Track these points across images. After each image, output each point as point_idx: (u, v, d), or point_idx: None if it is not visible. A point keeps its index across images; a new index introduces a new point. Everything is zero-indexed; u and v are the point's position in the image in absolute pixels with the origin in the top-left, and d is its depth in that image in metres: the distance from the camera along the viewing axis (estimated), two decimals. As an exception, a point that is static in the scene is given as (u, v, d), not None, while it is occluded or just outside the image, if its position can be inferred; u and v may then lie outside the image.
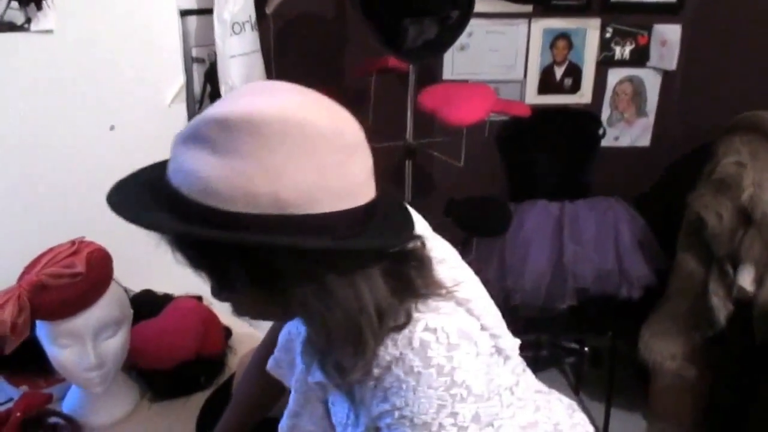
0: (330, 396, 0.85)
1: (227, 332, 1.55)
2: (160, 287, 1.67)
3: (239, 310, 0.75)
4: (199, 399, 1.37)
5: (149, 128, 1.75)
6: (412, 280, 0.72)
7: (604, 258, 2.29)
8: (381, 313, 0.68)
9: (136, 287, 1.61)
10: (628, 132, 2.63)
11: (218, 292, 0.72)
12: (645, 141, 2.64)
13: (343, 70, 2.39)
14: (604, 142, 2.56)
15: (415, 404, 0.68)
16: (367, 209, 0.66)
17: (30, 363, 1.36)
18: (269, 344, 1.06)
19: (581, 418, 0.98)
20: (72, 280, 1.14)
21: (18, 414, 1.18)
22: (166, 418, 1.33)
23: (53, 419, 1.27)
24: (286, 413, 0.93)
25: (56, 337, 1.17)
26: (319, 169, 0.61)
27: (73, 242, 1.20)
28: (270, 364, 1.00)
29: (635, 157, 2.64)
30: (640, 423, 2.53)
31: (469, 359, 0.70)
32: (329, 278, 0.64)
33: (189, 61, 1.88)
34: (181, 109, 1.88)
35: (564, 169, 2.50)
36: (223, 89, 1.89)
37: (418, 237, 0.74)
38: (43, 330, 1.19)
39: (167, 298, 1.58)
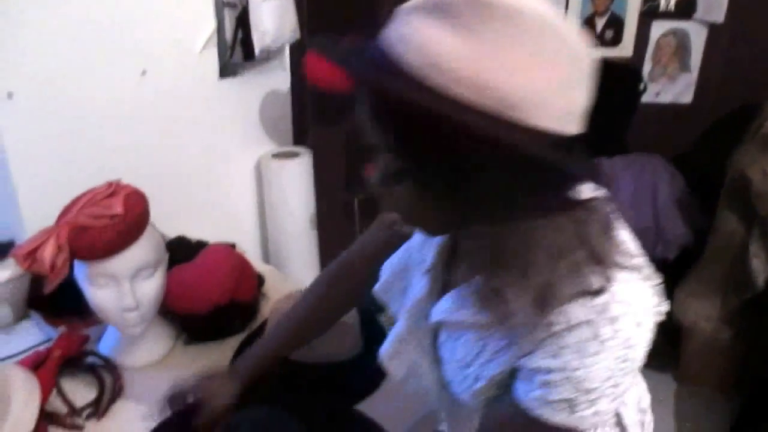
0: (454, 332, 0.83)
1: (260, 280, 1.55)
2: (193, 234, 1.67)
3: (396, 206, 0.72)
4: (232, 343, 1.38)
5: (180, 74, 1.74)
6: (607, 242, 0.69)
7: (640, 216, 2.24)
8: (576, 264, 0.66)
9: (170, 234, 1.62)
10: (670, 88, 2.54)
11: (387, 181, 0.67)
12: (687, 97, 2.55)
13: (376, 12, 2.33)
14: (644, 98, 2.48)
15: (588, 370, 0.67)
16: (570, 142, 0.62)
17: (68, 304, 1.38)
18: (346, 265, 1.09)
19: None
20: (110, 221, 1.14)
21: (57, 353, 1.20)
22: (201, 361, 1.34)
23: (91, 359, 1.29)
24: (391, 338, 0.92)
25: (94, 277, 1.18)
26: (554, 80, 0.58)
27: (110, 184, 1.19)
28: (378, 286, 0.98)
29: (677, 113, 2.56)
30: (670, 384, 2.51)
31: (647, 336, 0.70)
32: (530, 202, 0.62)
33: (220, 5, 1.85)
34: (212, 54, 1.86)
35: (602, 124, 2.42)
36: (254, 35, 1.86)
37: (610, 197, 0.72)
38: (81, 271, 1.20)
39: (201, 245, 1.58)
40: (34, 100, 1.47)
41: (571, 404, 0.70)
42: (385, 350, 0.94)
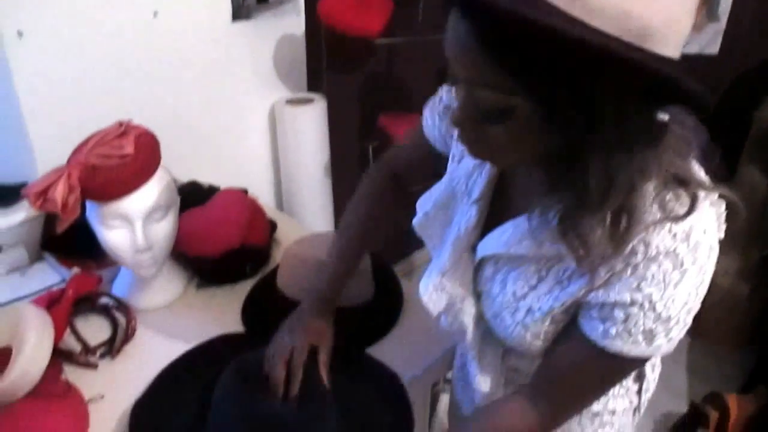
0: (506, 265, 0.81)
1: (272, 226, 1.55)
2: (205, 180, 1.66)
3: (486, 145, 0.68)
4: (244, 287, 1.38)
5: (192, 15, 1.70)
6: (690, 165, 0.68)
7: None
8: (661, 189, 0.65)
9: (182, 179, 1.61)
10: (696, 38, 2.45)
11: (485, 119, 0.64)
12: (714, 48, 2.47)
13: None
14: (669, 48, 2.40)
15: (670, 299, 0.67)
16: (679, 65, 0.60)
17: (81, 246, 1.38)
18: (386, 183, 1.07)
19: None
20: (121, 161, 1.12)
21: (70, 293, 1.20)
22: (212, 305, 1.35)
23: (104, 300, 1.30)
24: (431, 271, 0.91)
25: (106, 218, 1.17)
26: (687, 5, 0.57)
27: (120, 123, 1.18)
28: (417, 220, 0.95)
29: (702, 65, 2.46)
30: (683, 340, 2.50)
31: (714, 264, 0.69)
32: (640, 127, 0.60)
33: (234, -56, 1.79)
34: (226, -5, 1.81)
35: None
36: (269, -24, 1.81)
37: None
38: (93, 211, 1.19)
39: (213, 190, 1.57)
40: (45, 40, 1.44)
41: (650, 335, 0.69)
42: (425, 284, 0.92)
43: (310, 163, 1.91)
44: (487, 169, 0.84)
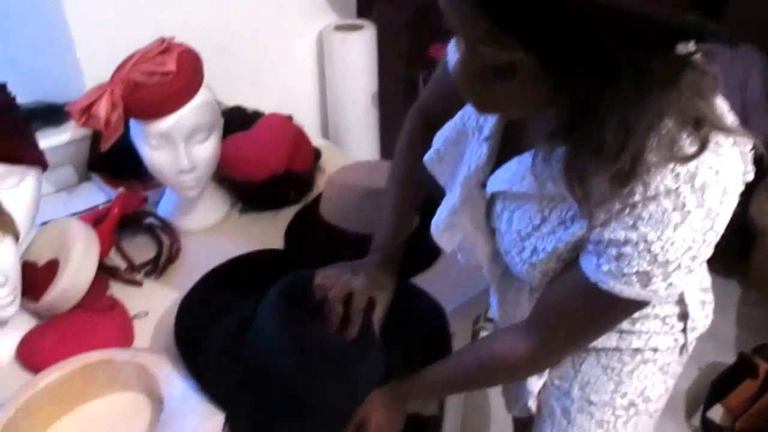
0: (513, 203, 0.80)
1: (316, 153, 1.52)
2: (249, 105, 1.64)
3: (493, 100, 0.66)
4: (287, 214, 1.37)
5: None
6: (706, 103, 0.62)
7: (726, 110, 2.07)
8: (671, 135, 0.60)
9: (226, 103, 1.59)
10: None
11: (490, 76, 0.61)
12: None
13: None
14: (745, -22, 2.23)
15: (668, 241, 0.63)
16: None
17: (127, 167, 1.39)
18: (416, 133, 1.04)
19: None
20: (163, 79, 1.10)
21: (116, 210, 1.21)
22: (255, 230, 1.35)
23: (149, 220, 1.31)
24: (443, 210, 0.90)
25: (149, 138, 1.16)
26: None
27: (162, 40, 1.15)
28: (428, 157, 0.94)
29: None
30: (734, 290, 2.43)
31: (731, 208, 0.64)
32: (657, 67, 0.55)
33: None
34: None
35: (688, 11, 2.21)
36: None
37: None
38: (137, 130, 1.18)
39: (257, 115, 1.55)
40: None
41: (645, 277, 0.65)
42: (436, 222, 0.91)
43: (357, 91, 1.86)
44: None
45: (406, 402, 0.95)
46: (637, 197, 0.63)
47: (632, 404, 0.98)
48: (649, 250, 0.64)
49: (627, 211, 0.64)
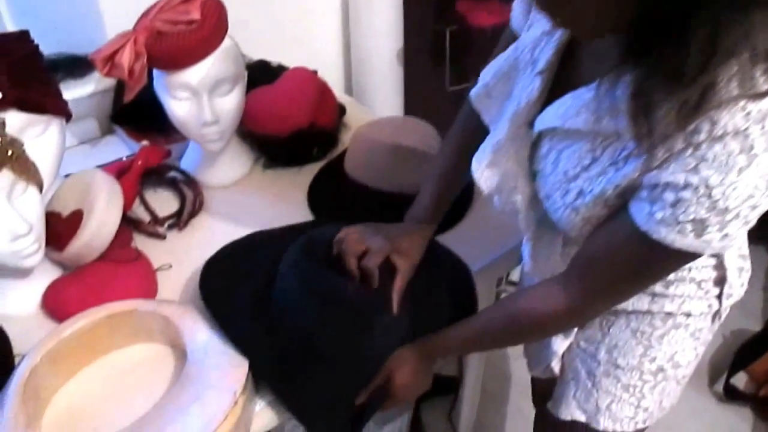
0: (561, 141, 0.76)
1: (341, 109, 1.49)
2: (273, 60, 1.61)
3: (575, 15, 0.63)
4: (311, 170, 1.35)
5: None
6: None
7: None
8: (747, 61, 0.55)
9: (250, 57, 1.56)
10: None
11: None
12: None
13: None
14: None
15: (730, 186, 0.59)
16: None
17: (150, 120, 1.37)
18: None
19: None
20: (187, 28, 1.08)
21: (140, 163, 1.20)
22: (279, 185, 1.33)
23: (172, 173, 1.30)
24: (486, 146, 0.86)
25: (173, 89, 1.14)
26: None
27: (186, -13, 1.12)
28: (475, 92, 0.90)
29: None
30: (762, 257, 2.39)
31: None
32: None
33: None
34: None
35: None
36: None
37: None
38: (160, 81, 1.16)
39: (282, 69, 1.52)
40: None
41: (700, 226, 0.61)
42: (479, 159, 0.86)
43: (382, 47, 1.82)
44: (556, 37, 0.76)
45: (433, 359, 0.94)
46: (703, 136, 0.58)
47: (661, 369, 0.96)
48: (709, 196, 0.59)
49: (690, 151, 0.60)
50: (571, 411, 1.04)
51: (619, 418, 1.00)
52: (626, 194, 0.68)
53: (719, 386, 1.98)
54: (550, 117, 0.75)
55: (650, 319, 0.92)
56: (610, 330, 0.96)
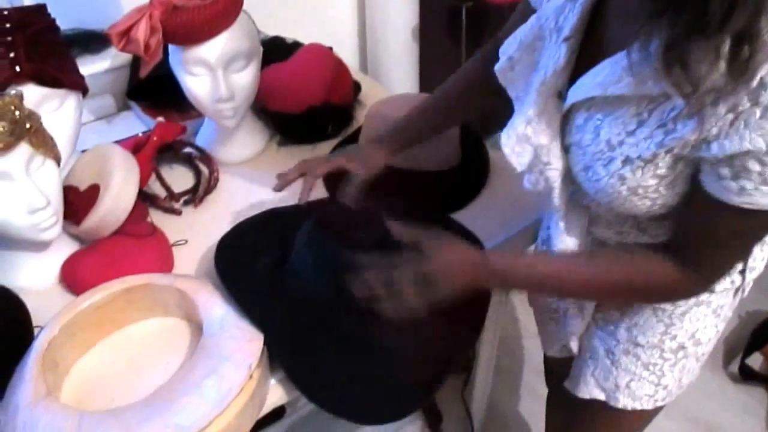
0: (601, 110, 0.74)
1: (356, 86, 1.48)
2: (289, 35, 1.60)
3: None
4: (325, 147, 1.35)
5: None
6: None
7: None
8: None
9: (265, 32, 1.55)
10: None
11: None
12: None
13: None
14: None
15: None
16: None
17: (166, 96, 1.38)
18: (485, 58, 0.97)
19: None
20: (203, 2, 1.08)
21: (155, 138, 1.20)
22: (293, 162, 1.31)
23: (187, 149, 1.30)
24: (515, 120, 0.82)
25: (188, 65, 1.14)
26: None
27: (201, -38, 1.11)
28: (500, 66, 0.87)
29: None
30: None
31: None
32: None
33: None
34: None
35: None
36: None
37: None
38: (175, 57, 1.16)
39: (297, 45, 1.51)
40: None
41: None
42: (508, 135, 0.83)
43: (397, 24, 1.80)
44: (580, 2, 0.74)
45: (490, 274, 0.83)
46: (765, 96, 0.57)
47: (681, 347, 0.95)
48: (765, 163, 0.59)
49: (759, 112, 0.58)
50: (590, 389, 1.04)
51: (639, 396, 1.00)
52: (678, 164, 0.67)
53: (734, 366, 1.97)
54: (587, 86, 0.73)
55: None
56: (630, 308, 0.95)
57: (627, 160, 0.70)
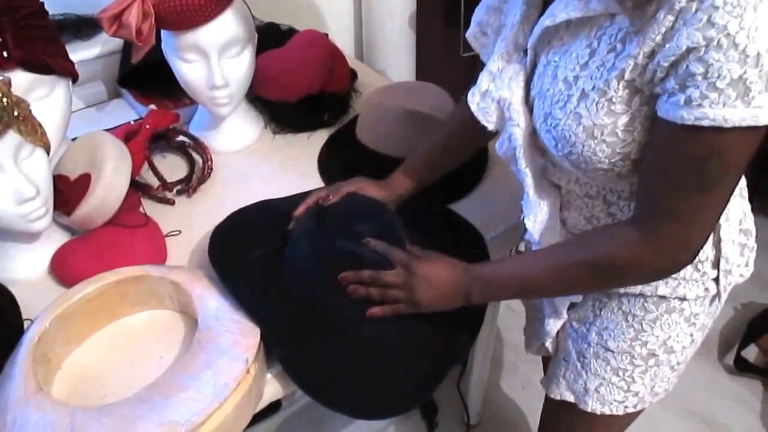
0: (555, 50, 0.75)
1: (352, 74, 1.46)
2: (283, 21, 1.57)
3: None
4: (322, 136, 1.32)
5: None
6: None
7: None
8: None
9: (260, 19, 1.52)
10: None
11: None
12: None
13: None
14: None
15: (752, 27, 0.55)
16: None
17: (158, 84, 1.35)
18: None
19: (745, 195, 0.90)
20: (195, -14, 1.04)
21: (147, 126, 1.17)
22: (289, 151, 1.31)
23: (180, 138, 1.27)
24: (482, 77, 0.85)
25: (182, 51, 1.12)
26: None
27: (195, -56, 1.08)
28: (470, 33, 0.92)
29: None
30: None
31: None
32: None
33: None
34: None
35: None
36: None
37: None
38: (169, 43, 1.13)
39: (292, 31, 1.49)
40: None
41: (743, 87, 0.57)
42: (472, 92, 0.87)
43: (394, 10, 1.77)
44: None
45: (474, 284, 0.83)
46: None
47: (652, 354, 0.92)
48: (734, 45, 0.56)
49: (695, 5, 0.58)
50: (561, 391, 1.03)
51: (608, 401, 0.97)
52: (638, 98, 0.66)
53: (729, 358, 1.97)
54: (540, 26, 0.75)
55: (643, 302, 0.89)
56: (602, 312, 0.93)
57: (582, 95, 0.70)
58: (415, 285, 0.84)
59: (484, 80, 0.84)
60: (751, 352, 1.96)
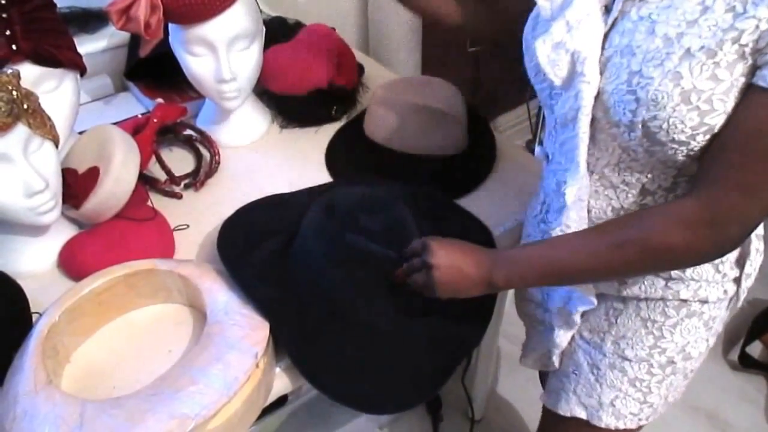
0: (652, 11, 0.69)
1: (360, 69, 1.45)
2: (290, 15, 1.57)
3: None
4: (329, 130, 1.32)
5: None
6: None
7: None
8: None
9: (267, 13, 1.52)
10: None
11: None
12: None
13: None
14: None
15: None
16: None
17: (166, 78, 1.35)
18: None
19: None
20: (204, -20, 1.04)
21: (155, 120, 1.17)
22: (296, 145, 1.30)
23: (188, 131, 1.27)
24: (555, 25, 0.76)
25: (189, 44, 1.11)
26: None
27: (203, -63, 1.08)
28: None
29: None
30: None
31: None
32: None
33: None
34: None
35: None
36: None
37: None
38: (177, 36, 1.13)
39: (299, 25, 1.48)
40: None
41: None
42: (544, 41, 0.77)
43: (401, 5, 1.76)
44: None
45: (498, 266, 0.80)
46: None
47: (671, 362, 0.90)
48: None
49: None
50: (571, 407, 1.00)
51: (623, 415, 0.95)
52: (741, 65, 0.63)
53: (734, 355, 1.97)
54: None
55: (663, 307, 0.87)
56: (618, 320, 0.91)
57: (686, 54, 0.65)
58: (438, 267, 0.80)
59: (558, 30, 0.75)
60: (755, 349, 1.96)
